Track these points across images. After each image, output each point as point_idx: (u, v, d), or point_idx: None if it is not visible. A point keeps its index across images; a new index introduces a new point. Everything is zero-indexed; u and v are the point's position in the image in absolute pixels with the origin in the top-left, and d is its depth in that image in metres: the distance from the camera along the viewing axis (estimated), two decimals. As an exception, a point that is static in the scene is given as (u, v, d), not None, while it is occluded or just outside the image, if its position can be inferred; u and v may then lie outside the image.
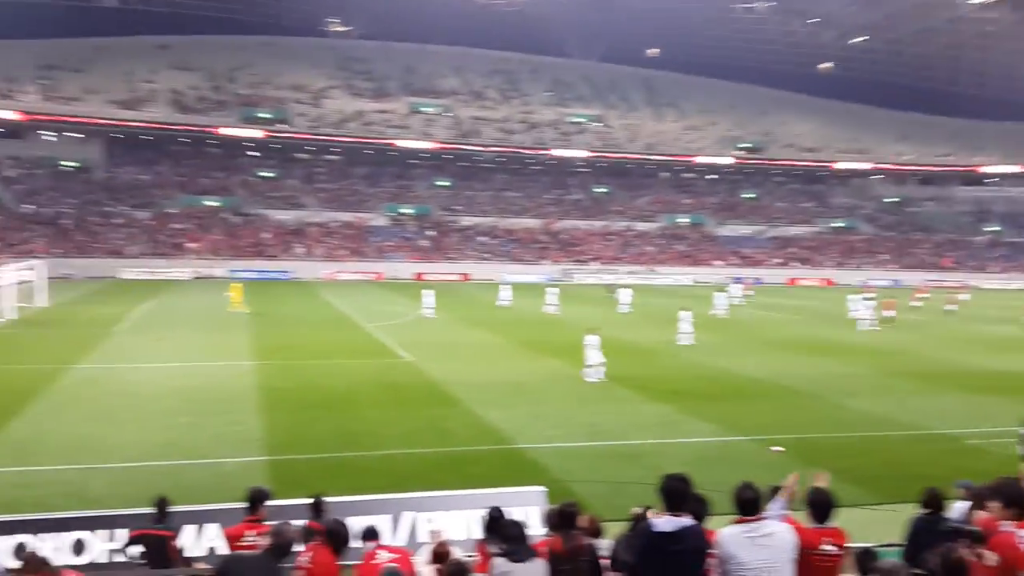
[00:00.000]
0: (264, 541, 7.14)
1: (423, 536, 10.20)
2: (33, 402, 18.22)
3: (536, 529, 9.66)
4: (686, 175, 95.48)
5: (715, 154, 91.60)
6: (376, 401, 19.33)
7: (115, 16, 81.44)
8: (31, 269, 38.26)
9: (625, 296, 43.68)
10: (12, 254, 51.97)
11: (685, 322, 29.99)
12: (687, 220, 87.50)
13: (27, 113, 71.82)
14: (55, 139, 75.90)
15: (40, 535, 9.46)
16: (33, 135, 75.01)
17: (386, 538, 9.93)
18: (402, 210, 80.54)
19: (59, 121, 73.89)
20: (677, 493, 5.17)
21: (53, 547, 9.50)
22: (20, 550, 8.91)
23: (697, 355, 27.46)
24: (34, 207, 68.59)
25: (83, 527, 9.66)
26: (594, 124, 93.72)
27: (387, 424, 17.03)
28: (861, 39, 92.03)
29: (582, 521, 6.77)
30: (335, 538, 6.35)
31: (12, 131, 73.58)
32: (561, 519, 6.66)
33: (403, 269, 68.74)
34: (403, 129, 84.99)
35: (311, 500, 8.30)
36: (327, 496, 8.43)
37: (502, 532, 6.41)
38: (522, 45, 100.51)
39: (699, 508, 5.68)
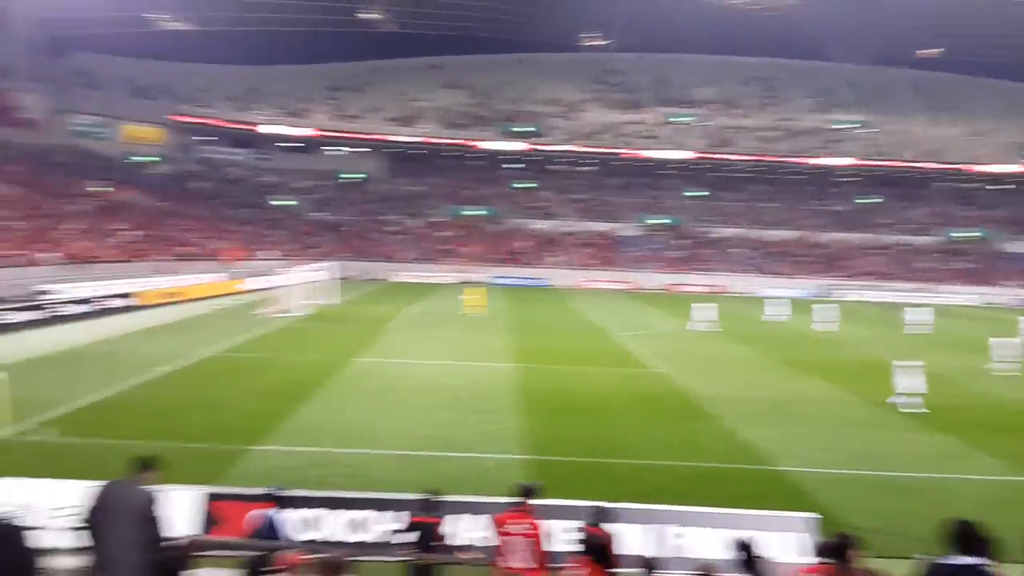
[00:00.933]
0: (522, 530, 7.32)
1: (670, 550, 10.01)
2: (320, 390, 20.12)
3: (796, 557, 9.16)
4: (967, 185, 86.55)
5: (1001, 162, 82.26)
6: (628, 410, 19.30)
7: (393, 40, 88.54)
8: (321, 271, 42.42)
9: (915, 316, 40.35)
10: (304, 257, 58.03)
11: (1004, 348, 26.96)
12: (969, 234, 79.24)
13: (318, 131, 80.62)
14: (340, 154, 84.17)
15: (334, 511, 10.41)
16: (322, 150, 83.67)
17: (634, 548, 9.84)
18: (654, 220, 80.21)
19: (344, 138, 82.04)
20: (967, 534, 4.87)
21: (336, 523, 10.42)
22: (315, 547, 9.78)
23: (992, 384, 24.75)
24: (322, 215, 76.33)
25: (364, 507, 10.48)
26: (860, 130, 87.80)
27: (638, 434, 16.94)
28: None
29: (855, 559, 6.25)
30: (597, 554, 6.26)
31: (305, 147, 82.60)
32: (839, 549, 6.22)
33: (653, 280, 68.38)
34: (655, 140, 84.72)
35: (595, 506, 8.34)
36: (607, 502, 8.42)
37: None
38: (781, 51, 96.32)
39: (987, 551, 5.11)
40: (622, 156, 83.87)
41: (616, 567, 7.40)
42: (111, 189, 60.49)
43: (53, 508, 9.66)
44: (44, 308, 31.45)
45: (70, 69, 73.27)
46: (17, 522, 4.78)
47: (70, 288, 34.59)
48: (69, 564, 6.47)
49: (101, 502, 6.37)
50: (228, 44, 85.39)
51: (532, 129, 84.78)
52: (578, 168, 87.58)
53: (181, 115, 76.20)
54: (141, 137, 74.72)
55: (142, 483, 6.66)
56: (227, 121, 78.79)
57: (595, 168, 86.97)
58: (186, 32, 76.29)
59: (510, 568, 7.31)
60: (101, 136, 72.07)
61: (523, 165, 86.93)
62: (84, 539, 6.32)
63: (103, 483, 6.63)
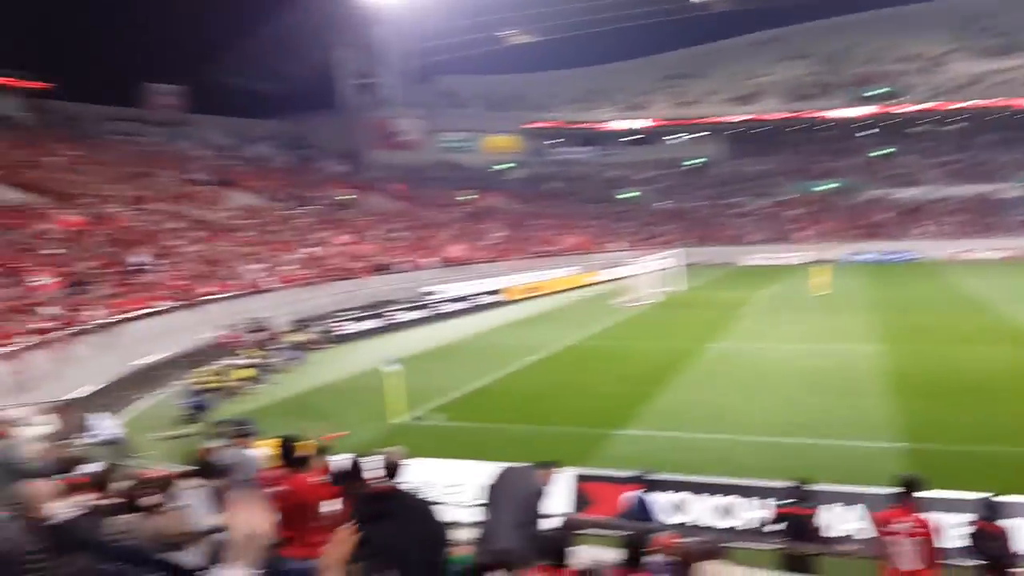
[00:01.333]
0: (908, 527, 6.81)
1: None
2: (676, 375, 20.44)
3: None
4: None
5: None
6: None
7: (726, 19, 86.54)
8: (668, 258, 42.97)
9: None
10: (650, 246, 59.06)
11: None
12: None
13: (657, 120, 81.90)
14: (681, 140, 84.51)
15: (701, 495, 10.59)
16: (662, 140, 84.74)
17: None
18: (1044, 178, 69.35)
19: (683, 124, 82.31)
20: None
21: (703, 507, 10.57)
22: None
23: None
24: (666, 202, 77.10)
25: (731, 493, 10.51)
26: None
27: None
28: None
29: None
30: (991, 552, 5.73)
31: (646, 138, 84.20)
32: None
33: (1048, 245, 59.06)
34: (1041, 84, 73.27)
35: (987, 499, 7.64)
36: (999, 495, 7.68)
37: None
38: None
39: None
40: (997, 108, 73.69)
41: (1013, 567, 6.66)
42: (477, 196, 66.79)
43: (447, 485, 10.88)
44: (428, 307, 35.58)
45: (437, 92, 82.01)
46: (427, 497, 5.33)
47: (448, 288, 38.77)
48: (464, 536, 7.27)
49: (498, 482, 7.12)
50: (569, 50, 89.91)
51: (887, 90, 77.83)
52: (944, 127, 78.59)
53: (532, 122, 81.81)
54: (499, 146, 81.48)
55: (536, 473, 7.29)
56: (572, 123, 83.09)
57: (965, 125, 77.35)
58: (531, 44, 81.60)
59: (898, 571, 6.80)
60: (466, 149, 79.95)
61: (878, 130, 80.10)
62: (480, 514, 7.09)
63: (503, 465, 7.40)
